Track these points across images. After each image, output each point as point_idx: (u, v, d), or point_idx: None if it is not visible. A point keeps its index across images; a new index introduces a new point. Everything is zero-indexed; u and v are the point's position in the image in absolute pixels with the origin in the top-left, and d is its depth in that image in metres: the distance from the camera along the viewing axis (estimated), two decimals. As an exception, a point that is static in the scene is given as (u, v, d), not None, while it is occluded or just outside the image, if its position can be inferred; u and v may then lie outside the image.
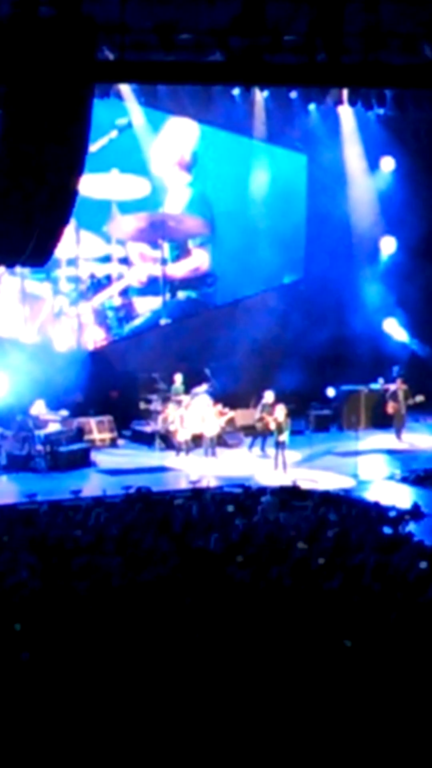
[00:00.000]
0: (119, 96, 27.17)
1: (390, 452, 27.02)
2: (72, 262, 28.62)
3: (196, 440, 26.64)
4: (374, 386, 29.73)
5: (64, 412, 26.40)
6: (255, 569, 15.63)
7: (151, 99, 27.62)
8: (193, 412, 26.71)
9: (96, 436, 27.29)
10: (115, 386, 28.58)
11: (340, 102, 29.09)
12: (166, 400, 27.45)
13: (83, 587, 14.60)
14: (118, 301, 29.47)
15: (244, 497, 21.34)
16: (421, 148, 30.35)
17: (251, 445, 26.91)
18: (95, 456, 26.03)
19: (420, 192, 30.26)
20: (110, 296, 29.35)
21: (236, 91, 28.10)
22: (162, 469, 25.31)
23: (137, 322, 29.61)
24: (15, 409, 25.85)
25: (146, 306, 29.66)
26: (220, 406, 26.92)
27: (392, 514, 20.51)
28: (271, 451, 25.72)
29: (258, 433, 26.71)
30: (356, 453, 25.49)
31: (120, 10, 16.78)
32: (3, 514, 20.10)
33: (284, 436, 25.27)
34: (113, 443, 27.61)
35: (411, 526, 19.85)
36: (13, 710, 11.06)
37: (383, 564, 15.83)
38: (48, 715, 10.96)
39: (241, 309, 30.00)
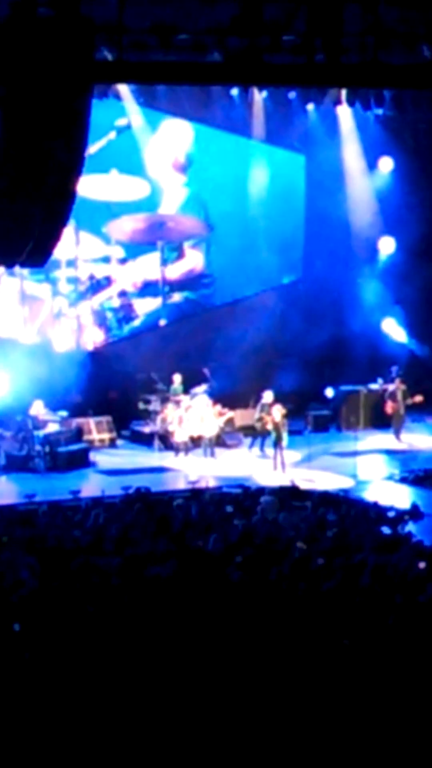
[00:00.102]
0: (118, 96, 27.20)
1: (389, 452, 27.04)
2: (71, 263, 28.62)
3: (195, 441, 26.65)
4: (373, 386, 29.75)
5: (63, 413, 26.41)
6: (254, 569, 15.63)
7: (149, 99, 27.64)
8: (192, 412, 26.73)
9: (95, 436, 27.31)
10: (114, 387, 28.60)
11: (338, 102, 29.10)
12: (165, 400, 27.47)
13: (82, 587, 14.60)
14: (117, 302, 29.47)
15: (243, 497, 21.34)
16: (419, 148, 30.38)
17: (251, 445, 26.93)
18: (94, 456, 26.05)
19: (418, 192, 30.29)
20: (109, 297, 29.35)
21: (235, 92, 28.13)
22: (161, 470, 25.32)
23: (136, 322, 29.62)
24: (14, 409, 25.86)
25: (145, 307, 29.67)
26: (219, 407, 26.93)
27: (391, 514, 20.52)
28: (270, 451, 25.74)
29: (257, 434, 26.73)
30: (355, 453, 25.50)
31: (119, 10, 16.76)
32: (2, 515, 20.10)
33: (283, 437, 25.28)
34: (112, 443, 27.64)
35: (410, 526, 19.85)
36: (12, 710, 11.06)
37: (382, 564, 15.82)
38: (48, 714, 10.97)
39: (240, 309, 30.02)
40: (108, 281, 29.27)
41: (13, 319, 28.34)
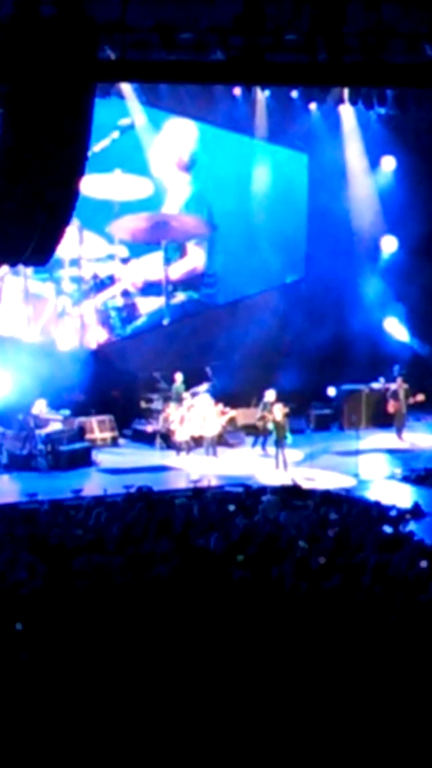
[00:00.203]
0: (120, 95, 27.18)
1: (391, 451, 27.03)
2: (75, 262, 28.62)
3: (197, 440, 26.66)
4: (375, 385, 29.75)
5: (66, 412, 26.42)
6: (255, 568, 15.63)
7: (152, 98, 27.62)
8: (195, 411, 26.73)
9: (97, 435, 27.31)
10: (116, 386, 28.60)
11: (341, 101, 29.09)
12: (167, 399, 27.48)
13: (84, 586, 14.61)
14: (120, 302, 29.47)
15: (245, 497, 21.35)
16: (421, 147, 30.37)
17: (254, 444, 26.94)
18: (96, 455, 26.05)
19: (421, 191, 30.27)
20: (113, 296, 29.35)
21: (237, 91, 28.10)
22: (163, 469, 25.33)
23: (139, 322, 29.61)
24: (16, 408, 25.86)
25: (149, 306, 29.66)
26: (221, 406, 26.93)
27: (393, 513, 20.50)
28: (272, 450, 25.75)
29: (259, 433, 26.74)
30: (357, 452, 25.49)
31: (121, 9, 16.79)
32: (4, 513, 20.11)
33: (285, 436, 25.29)
34: (114, 442, 27.65)
35: (411, 526, 19.85)
36: (14, 710, 11.07)
37: (384, 563, 15.83)
38: (49, 714, 10.98)
39: (242, 308, 30.01)
40: (111, 280, 29.27)
41: (16, 318, 28.33)
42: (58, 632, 12.79)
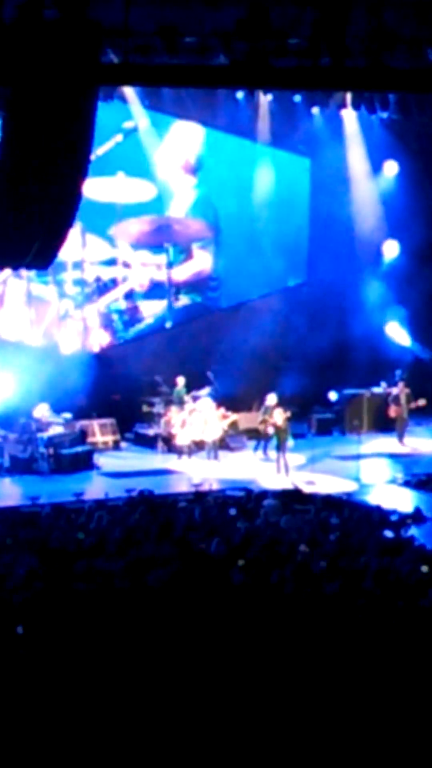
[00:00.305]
0: (123, 99, 27.21)
1: (392, 456, 27.03)
2: (78, 265, 28.64)
3: (198, 443, 26.66)
4: (377, 390, 29.75)
5: (67, 415, 26.43)
6: (256, 572, 15.63)
7: (155, 102, 27.65)
8: (196, 415, 26.73)
9: (99, 438, 27.31)
10: (118, 389, 28.60)
11: (343, 105, 29.09)
12: (168, 403, 27.49)
13: (85, 590, 14.60)
14: (123, 305, 29.49)
15: (247, 500, 21.34)
16: (424, 152, 30.37)
17: (256, 448, 26.96)
18: (98, 459, 26.04)
19: (423, 196, 30.28)
20: (116, 299, 29.36)
21: (240, 95, 28.11)
22: (164, 472, 25.32)
23: (142, 325, 29.63)
24: (18, 411, 25.86)
25: (151, 309, 29.67)
26: (222, 410, 26.94)
27: (394, 517, 20.51)
28: (273, 454, 25.75)
29: (261, 437, 26.74)
30: (358, 456, 25.49)
31: (124, 13, 16.79)
32: (5, 516, 20.11)
33: (287, 440, 25.29)
34: (116, 446, 27.65)
35: (413, 530, 19.85)
36: (15, 712, 11.07)
37: (385, 568, 15.83)
38: (50, 716, 10.98)
39: (244, 312, 30.02)
40: (114, 283, 29.29)
41: (19, 321, 28.35)
42: (59, 636, 12.79)
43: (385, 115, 28.82)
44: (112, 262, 29.29)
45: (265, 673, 11.89)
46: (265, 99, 28.48)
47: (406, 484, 24.26)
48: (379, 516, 20.49)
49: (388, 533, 19.23)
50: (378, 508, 21.10)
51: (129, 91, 27.13)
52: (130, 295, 29.52)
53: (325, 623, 13.37)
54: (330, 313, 29.76)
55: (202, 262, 30.15)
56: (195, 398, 27.44)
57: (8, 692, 11.49)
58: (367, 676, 11.88)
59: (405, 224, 30.23)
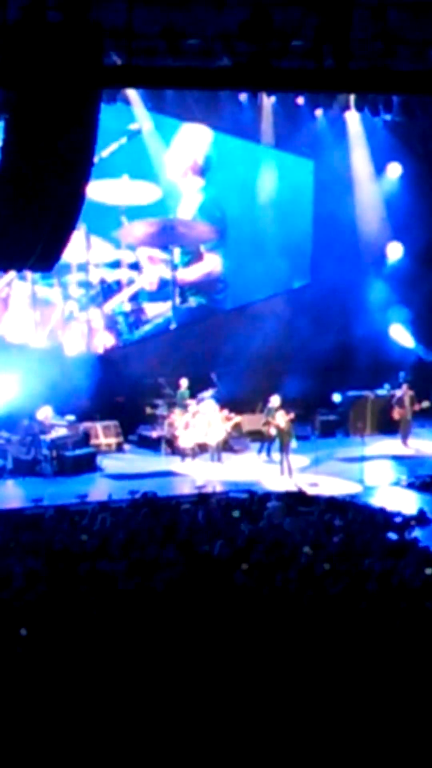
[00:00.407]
0: (127, 101, 27.21)
1: (396, 458, 27.01)
2: (82, 267, 28.64)
3: (202, 445, 26.65)
4: (380, 392, 29.73)
5: (71, 417, 26.43)
6: (260, 574, 15.62)
7: (158, 104, 27.63)
8: (200, 417, 26.73)
9: (102, 440, 27.31)
10: (122, 391, 28.60)
11: (347, 108, 29.11)
12: (172, 405, 27.48)
13: (88, 592, 14.60)
14: (128, 307, 29.48)
15: (250, 503, 21.33)
16: (427, 154, 30.38)
17: (260, 450, 26.95)
18: (101, 461, 26.05)
19: (426, 198, 30.27)
20: (121, 301, 29.36)
21: (243, 97, 28.12)
22: (168, 474, 25.32)
23: (147, 327, 29.62)
24: (22, 413, 25.87)
25: (156, 311, 29.67)
26: (226, 412, 26.93)
27: (398, 520, 20.50)
28: (277, 456, 25.74)
29: (264, 439, 26.74)
30: (362, 459, 25.46)
31: (127, 15, 16.77)
32: (9, 519, 20.11)
33: (290, 442, 25.29)
34: (119, 448, 27.65)
35: (416, 532, 19.85)
36: (19, 712, 11.07)
37: (389, 570, 15.82)
38: (55, 717, 10.97)
39: (248, 314, 30.01)
40: (119, 285, 29.30)
41: (24, 323, 28.35)
42: (63, 637, 12.79)
43: (388, 117, 28.83)
44: (116, 264, 29.30)
45: (270, 675, 11.89)
46: (268, 101, 28.48)
47: (410, 486, 24.25)
48: (383, 518, 20.48)
49: (392, 535, 19.23)
50: (382, 510, 21.09)
51: (132, 94, 27.13)
52: (134, 297, 29.52)
53: (329, 625, 13.37)
54: (334, 315, 29.74)
55: (211, 264, 30.15)
56: (198, 400, 27.43)
57: (13, 694, 11.50)
58: (371, 677, 11.88)
59: (408, 226, 30.22)
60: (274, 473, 25.08)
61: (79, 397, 27.27)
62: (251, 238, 29.69)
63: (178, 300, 29.69)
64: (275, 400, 26.44)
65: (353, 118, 29.52)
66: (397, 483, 24.61)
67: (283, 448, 25.30)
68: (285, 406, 26.19)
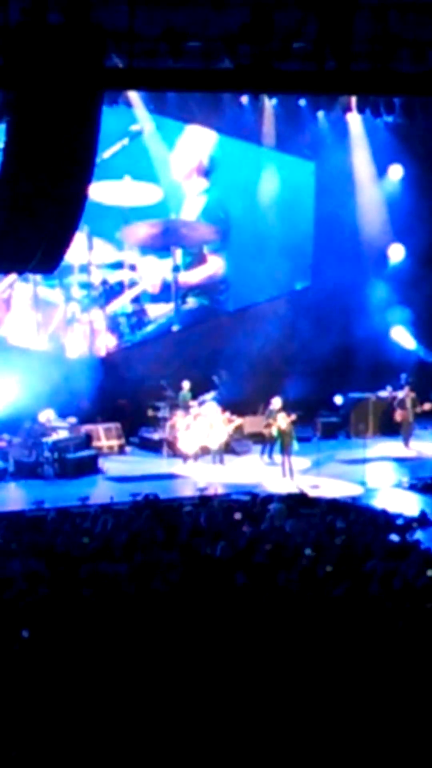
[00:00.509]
0: (128, 103, 27.20)
1: (398, 460, 27.01)
2: (84, 269, 28.64)
3: (204, 447, 26.64)
4: (382, 394, 29.71)
5: (73, 419, 26.42)
6: (262, 576, 15.61)
7: (160, 106, 27.64)
8: (201, 419, 26.72)
9: (104, 443, 27.31)
10: (123, 393, 28.60)
11: (348, 109, 29.10)
12: (173, 407, 27.46)
13: (90, 594, 14.59)
14: (130, 308, 29.48)
15: (252, 505, 21.33)
16: (429, 155, 30.35)
17: (262, 452, 26.94)
18: (103, 463, 26.04)
19: (428, 199, 30.25)
20: (123, 303, 29.35)
21: (245, 99, 28.11)
22: (170, 477, 25.32)
23: (149, 328, 29.61)
24: (24, 415, 25.87)
25: (158, 313, 29.67)
26: (228, 414, 26.92)
27: (400, 521, 20.49)
28: (279, 458, 25.74)
29: (266, 441, 26.73)
30: (364, 460, 25.47)
31: (129, 17, 16.79)
32: (11, 521, 20.11)
33: (292, 444, 25.28)
34: (121, 450, 27.64)
35: (418, 534, 19.84)
36: (21, 714, 11.06)
37: (390, 572, 15.80)
38: (56, 720, 10.97)
39: (250, 316, 30.01)
40: (121, 286, 29.30)
41: (26, 325, 28.34)
42: (65, 639, 12.78)
43: (390, 118, 28.84)
44: (118, 266, 29.30)
45: (272, 677, 11.88)
46: (269, 103, 28.49)
47: (412, 487, 24.25)
48: (385, 520, 20.47)
49: (394, 537, 19.21)
50: (384, 512, 21.08)
51: (134, 96, 27.13)
52: (137, 299, 29.52)
53: (331, 627, 13.36)
54: (335, 316, 29.73)
55: (215, 266, 30.15)
56: (200, 402, 27.43)
57: (15, 695, 11.49)
58: (373, 680, 11.87)
59: (410, 228, 30.21)
60: (276, 475, 25.07)
61: (80, 400, 27.28)
62: (253, 240, 29.69)
63: (180, 302, 29.68)
64: (277, 402, 26.44)
65: (355, 120, 29.51)
66: (398, 485, 24.60)
67: (285, 450, 25.29)
68: (286, 407, 26.19)
